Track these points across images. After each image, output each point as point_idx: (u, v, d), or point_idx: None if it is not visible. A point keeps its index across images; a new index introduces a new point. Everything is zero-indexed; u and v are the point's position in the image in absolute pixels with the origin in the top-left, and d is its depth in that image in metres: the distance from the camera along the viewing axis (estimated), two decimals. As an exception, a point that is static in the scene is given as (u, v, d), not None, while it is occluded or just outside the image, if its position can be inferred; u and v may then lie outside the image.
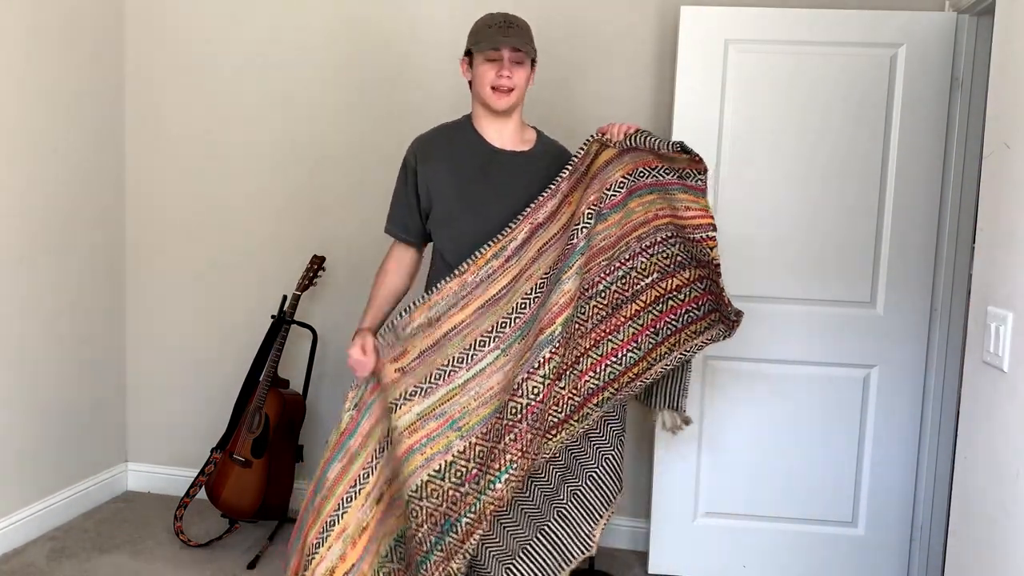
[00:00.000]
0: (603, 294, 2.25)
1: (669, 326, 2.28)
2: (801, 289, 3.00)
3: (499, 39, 2.25)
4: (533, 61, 2.35)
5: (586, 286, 2.24)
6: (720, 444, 3.09)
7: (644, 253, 2.28)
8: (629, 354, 2.26)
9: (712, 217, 2.25)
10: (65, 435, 3.41)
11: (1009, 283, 1.77)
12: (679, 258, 2.29)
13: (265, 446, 3.22)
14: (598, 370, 2.24)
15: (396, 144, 3.40)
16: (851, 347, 3.00)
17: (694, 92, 2.97)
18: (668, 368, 2.31)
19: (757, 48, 2.93)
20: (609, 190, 2.25)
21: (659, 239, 2.28)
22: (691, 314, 2.29)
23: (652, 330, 2.27)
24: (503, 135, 2.36)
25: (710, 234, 2.23)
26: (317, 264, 3.34)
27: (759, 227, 2.99)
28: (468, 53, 2.33)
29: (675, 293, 2.29)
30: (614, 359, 2.25)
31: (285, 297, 3.35)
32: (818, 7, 2.95)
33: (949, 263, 2.94)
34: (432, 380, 2.20)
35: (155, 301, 3.69)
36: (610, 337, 2.25)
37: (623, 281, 2.27)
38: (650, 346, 2.27)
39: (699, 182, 2.25)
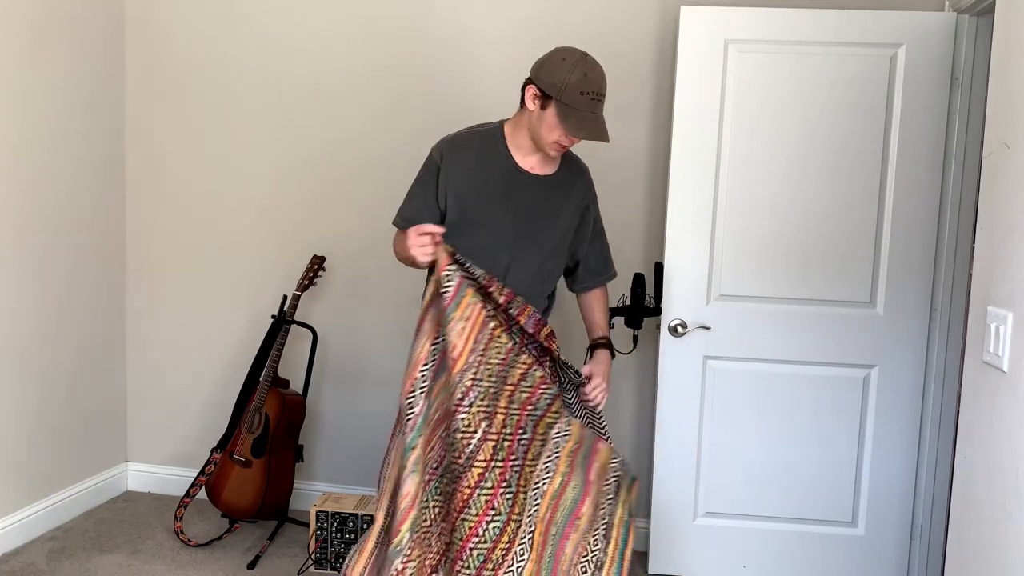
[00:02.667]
0: (448, 469, 1.98)
1: (514, 468, 1.97)
2: (801, 289, 3.00)
3: (588, 127, 2.17)
4: None
5: (434, 464, 1.98)
6: (720, 444, 3.09)
7: (461, 407, 1.96)
8: (491, 525, 1.93)
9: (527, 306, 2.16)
10: (65, 435, 3.41)
11: (1009, 283, 1.77)
12: (491, 389, 2.01)
13: (265, 446, 3.22)
14: (464, 556, 1.93)
15: (398, 146, 3.42)
16: (851, 347, 3.00)
17: (694, 92, 2.96)
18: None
19: (757, 48, 2.93)
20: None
21: (468, 384, 1.98)
22: (522, 440, 2.01)
23: (504, 485, 1.95)
24: (533, 159, 2.33)
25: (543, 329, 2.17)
26: (317, 264, 3.34)
27: (759, 227, 2.99)
28: (545, 94, 2.18)
29: (503, 430, 2.00)
30: (476, 538, 1.93)
31: (285, 297, 3.35)
32: (818, 7, 2.95)
33: (949, 263, 2.94)
34: None
35: (155, 301, 3.69)
36: (464, 515, 1.93)
37: (454, 449, 1.96)
38: (509, 504, 1.95)
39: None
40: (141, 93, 3.62)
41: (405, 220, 2.31)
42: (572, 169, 2.40)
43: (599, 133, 2.20)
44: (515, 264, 2.31)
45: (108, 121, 3.55)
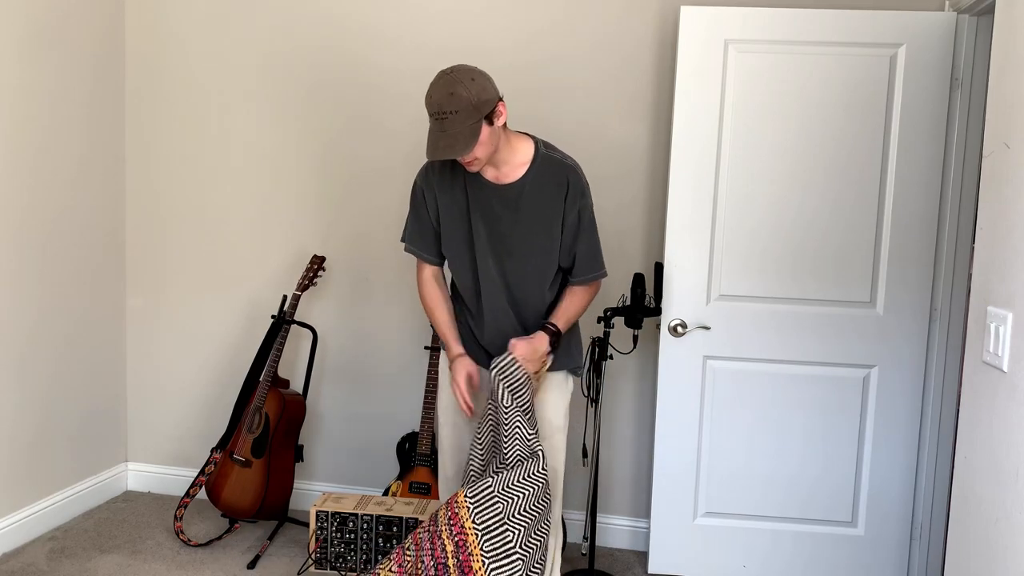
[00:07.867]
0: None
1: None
2: (801, 289, 3.00)
3: (432, 145, 2.16)
4: (488, 116, 2.17)
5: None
6: (720, 444, 3.09)
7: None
8: None
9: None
10: (65, 435, 3.41)
11: (1009, 283, 1.77)
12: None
13: (265, 446, 3.22)
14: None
15: (397, 147, 3.42)
16: (851, 347, 3.00)
17: (694, 92, 2.96)
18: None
19: (757, 48, 2.93)
20: None
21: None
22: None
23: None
24: (493, 170, 2.35)
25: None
26: (317, 264, 3.34)
27: (759, 227, 2.99)
28: None
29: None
30: None
31: (285, 297, 3.35)
32: (818, 7, 2.95)
33: (949, 263, 2.94)
34: None
35: (155, 301, 3.69)
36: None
37: None
38: None
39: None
40: (141, 93, 3.62)
41: (415, 245, 2.49)
42: (545, 170, 2.34)
43: (439, 150, 2.16)
44: (504, 266, 2.39)
45: (108, 121, 3.55)
